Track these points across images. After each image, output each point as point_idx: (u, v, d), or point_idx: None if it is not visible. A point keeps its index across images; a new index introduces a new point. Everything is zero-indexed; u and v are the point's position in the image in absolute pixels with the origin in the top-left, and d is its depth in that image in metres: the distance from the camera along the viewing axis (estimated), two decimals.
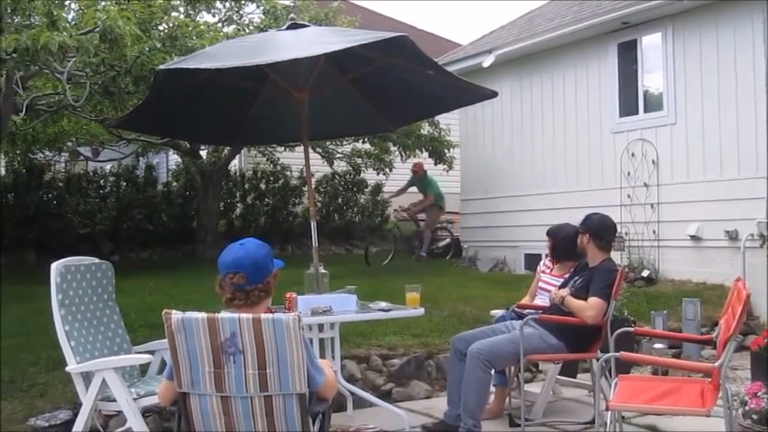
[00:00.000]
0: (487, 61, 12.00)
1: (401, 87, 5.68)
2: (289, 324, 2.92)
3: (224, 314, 3.02)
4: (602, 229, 5.20)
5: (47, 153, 14.60)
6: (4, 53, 7.17)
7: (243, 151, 15.23)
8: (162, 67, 5.04)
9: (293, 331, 2.92)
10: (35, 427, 5.14)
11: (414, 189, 14.38)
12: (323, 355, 5.06)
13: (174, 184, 15.11)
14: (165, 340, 3.55)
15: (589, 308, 4.89)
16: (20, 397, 5.52)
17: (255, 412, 3.04)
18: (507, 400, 5.51)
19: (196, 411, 3.12)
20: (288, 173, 15.36)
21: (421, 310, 5.22)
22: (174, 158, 17.06)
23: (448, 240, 14.39)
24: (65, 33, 6.48)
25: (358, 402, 5.68)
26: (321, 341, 5.22)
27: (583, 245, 5.20)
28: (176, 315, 3.01)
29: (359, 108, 6.02)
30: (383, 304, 5.21)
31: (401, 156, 13.90)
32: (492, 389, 5.33)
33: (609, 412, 4.14)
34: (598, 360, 5.02)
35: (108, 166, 15.49)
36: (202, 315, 2.98)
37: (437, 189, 13.92)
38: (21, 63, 6.85)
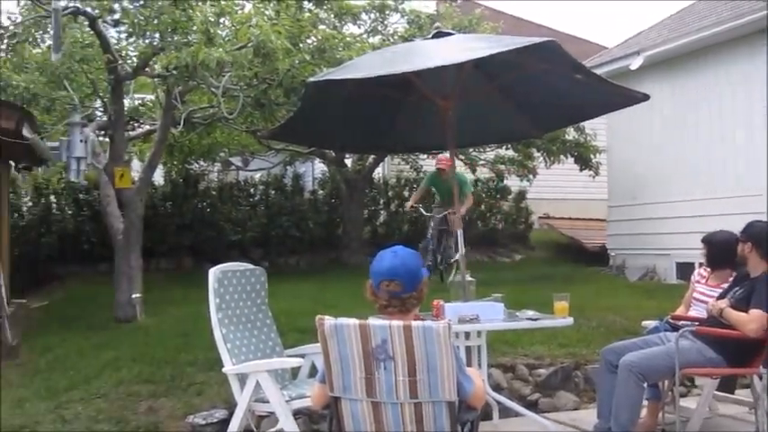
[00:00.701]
0: (636, 63, 11.65)
1: (548, 93, 5.58)
2: (439, 332, 2.92)
3: (375, 321, 3.07)
4: (765, 238, 4.92)
5: (201, 163, 15.28)
6: (165, 70, 7.61)
7: (386, 159, 15.42)
8: (312, 79, 5.18)
9: (444, 339, 2.92)
10: (193, 425, 5.39)
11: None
12: (469, 364, 5.04)
13: (320, 192, 15.48)
14: (316, 344, 3.64)
15: (751, 321, 4.63)
16: (179, 395, 5.81)
17: (405, 419, 3.06)
18: (661, 414, 5.30)
19: (347, 415, 3.17)
20: None
21: (570, 320, 5.11)
22: (319, 167, 17.50)
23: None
24: (221, 49, 6.79)
25: (504, 412, 5.63)
26: (468, 349, 5.21)
27: (744, 254, 4.93)
28: (329, 321, 3.07)
29: (505, 115, 5.97)
30: (530, 313, 5.13)
31: (545, 162, 13.69)
32: (644, 403, 5.14)
33: None
34: (761, 376, 4.76)
35: (257, 175, 16.05)
36: (354, 321, 3.04)
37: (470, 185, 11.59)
38: (180, 79, 7.25)
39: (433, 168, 10.90)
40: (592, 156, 13.43)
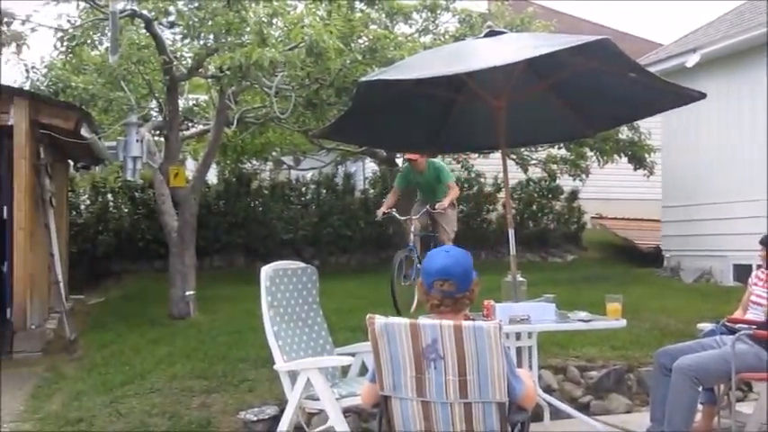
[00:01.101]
0: (692, 61, 11.44)
1: (602, 92, 5.51)
2: (490, 332, 2.91)
3: (425, 320, 3.07)
4: None
5: (254, 162, 15.44)
6: (219, 70, 7.72)
7: (437, 158, 15.37)
8: (364, 79, 5.20)
9: (494, 339, 2.91)
10: (245, 421, 5.46)
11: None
12: (520, 365, 5.01)
13: (371, 191, 15.51)
14: (366, 343, 3.65)
15: None
16: (231, 391, 5.89)
17: (455, 418, 3.06)
18: (716, 419, 5.20)
19: (397, 414, 3.17)
20: (482, 179, 15.35)
21: (623, 322, 5.05)
22: (370, 166, 17.55)
23: None
24: (273, 50, 6.85)
25: (555, 413, 5.58)
26: (518, 350, 5.18)
27: None
28: (379, 320, 3.08)
29: (557, 114, 5.91)
30: (582, 314, 5.08)
31: (598, 161, 13.53)
32: (699, 407, 5.05)
33: None
34: None
35: (309, 175, 16.16)
36: (404, 321, 3.04)
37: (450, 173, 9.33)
38: (234, 79, 7.33)
39: (436, 163, 9.08)
40: (646, 155, 13.23)
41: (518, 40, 5.61)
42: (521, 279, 5.31)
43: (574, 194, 16.00)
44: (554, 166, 14.81)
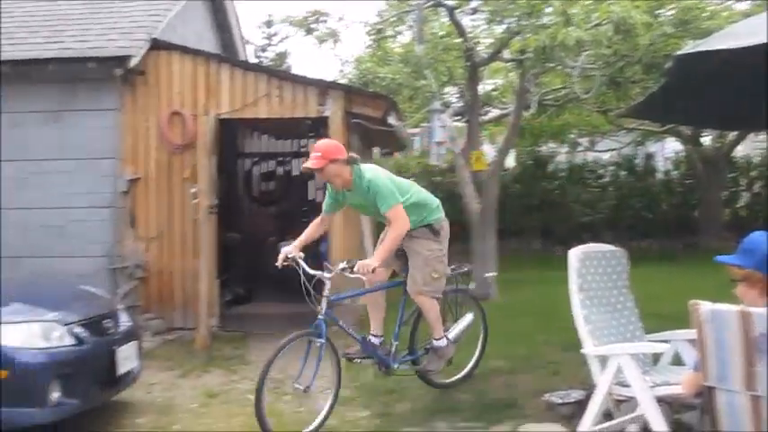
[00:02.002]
0: None
1: None
2: None
3: (756, 309, 2.87)
4: None
5: (550, 145, 15.35)
6: (520, 53, 7.76)
7: (749, 136, 14.28)
8: (680, 52, 4.93)
9: None
10: (549, 403, 5.45)
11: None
12: None
13: (674, 172, 14.79)
14: (680, 331, 3.48)
15: None
16: (535, 373, 5.94)
17: None
18: None
19: (722, 407, 3.00)
20: None
21: None
22: (670, 146, 16.72)
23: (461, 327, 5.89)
24: (579, 29, 6.75)
25: None
26: None
27: None
28: (706, 306, 2.94)
29: None
30: None
31: None
32: None
33: None
34: None
35: (606, 156, 15.75)
36: (734, 308, 2.87)
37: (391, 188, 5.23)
38: (537, 61, 7.33)
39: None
40: None
41: None
42: None
43: None
44: None
